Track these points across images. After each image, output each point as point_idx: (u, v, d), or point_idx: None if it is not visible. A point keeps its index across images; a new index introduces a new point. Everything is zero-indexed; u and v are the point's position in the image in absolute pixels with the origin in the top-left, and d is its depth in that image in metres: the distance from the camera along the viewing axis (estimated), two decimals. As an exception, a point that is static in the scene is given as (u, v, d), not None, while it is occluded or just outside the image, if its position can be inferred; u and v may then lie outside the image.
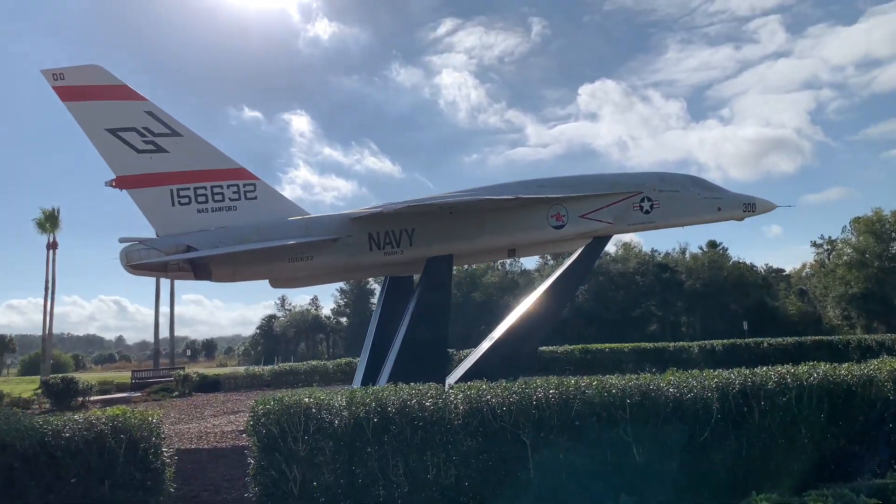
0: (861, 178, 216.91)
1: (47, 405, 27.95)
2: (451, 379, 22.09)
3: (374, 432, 9.55)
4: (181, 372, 36.71)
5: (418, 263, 20.80)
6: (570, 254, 24.38)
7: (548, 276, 24.24)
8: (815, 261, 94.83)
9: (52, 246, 54.39)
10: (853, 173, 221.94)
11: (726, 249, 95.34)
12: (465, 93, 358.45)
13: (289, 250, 18.49)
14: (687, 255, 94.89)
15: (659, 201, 22.39)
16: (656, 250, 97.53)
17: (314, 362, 40.47)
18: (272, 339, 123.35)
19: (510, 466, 9.58)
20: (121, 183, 18.47)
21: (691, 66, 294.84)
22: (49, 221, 55.86)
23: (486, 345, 23.10)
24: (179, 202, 18.94)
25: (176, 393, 32.91)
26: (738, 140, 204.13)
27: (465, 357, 25.83)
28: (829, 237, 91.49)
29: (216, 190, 19.29)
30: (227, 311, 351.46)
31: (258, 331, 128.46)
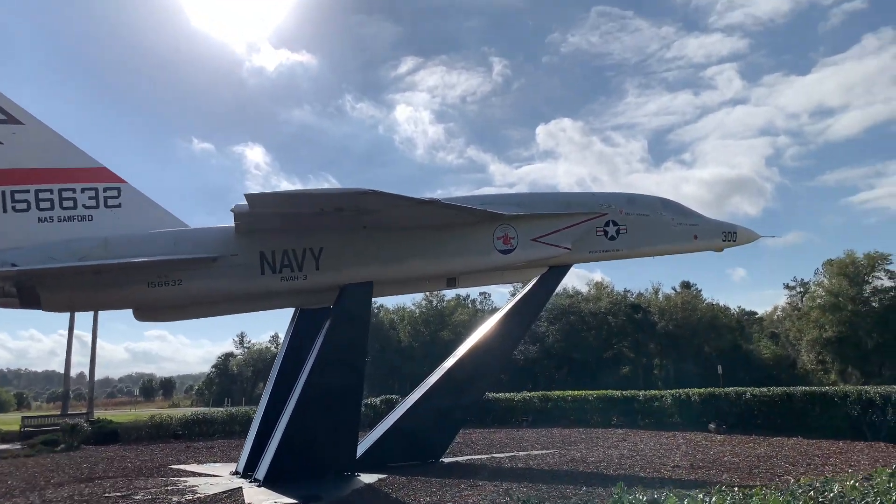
0: (819, 223, 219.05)
1: None
2: (365, 443, 17.92)
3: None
4: (68, 421, 31.69)
5: (331, 292, 16.74)
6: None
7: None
8: (787, 303, 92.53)
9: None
10: (811, 219, 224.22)
11: (700, 290, 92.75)
12: (422, 129, 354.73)
13: (144, 271, 14.26)
14: (660, 296, 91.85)
15: (626, 226, 18.83)
16: (629, 290, 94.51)
17: (234, 409, 35.65)
18: (228, 378, 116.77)
19: None
20: (-67, 181, 14.24)
21: (651, 110, 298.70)
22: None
23: (416, 394, 18.99)
24: (14, 208, 14.75)
25: (62, 446, 27.84)
26: (699, 182, 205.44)
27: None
28: (802, 279, 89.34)
29: (66, 194, 15.12)
30: (193, 347, 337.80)
31: (213, 370, 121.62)
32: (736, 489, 6.29)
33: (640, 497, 6.07)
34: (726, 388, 27.80)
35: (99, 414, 50.75)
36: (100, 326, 55.93)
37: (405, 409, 18.40)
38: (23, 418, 40.69)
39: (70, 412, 48.44)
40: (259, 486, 15.46)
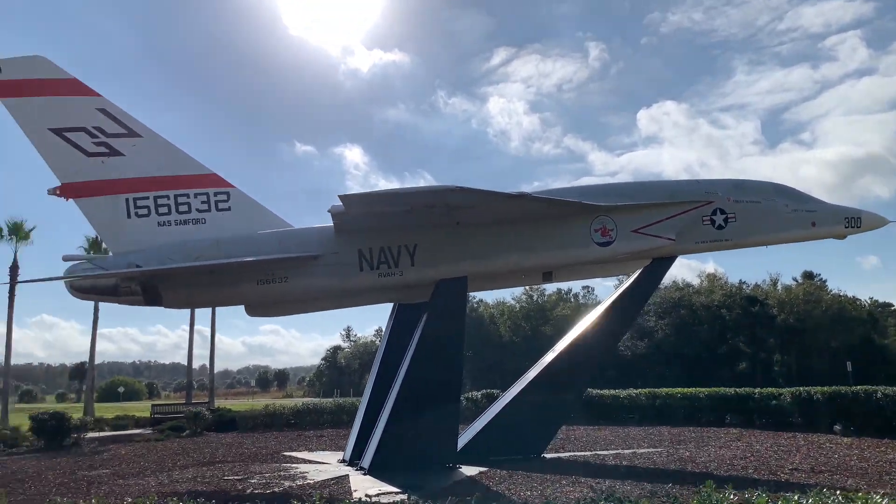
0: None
1: (40, 443, 25.75)
2: (466, 436, 18.04)
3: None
4: (191, 410, 34.23)
5: (427, 288, 16.96)
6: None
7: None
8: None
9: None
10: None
11: (825, 281, 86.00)
12: (517, 120, 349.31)
13: (253, 269, 15.09)
14: (779, 287, 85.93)
15: (735, 214, 17.77)
16: (744, 281, 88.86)
17: (342, 400, 37.02)
18: (337, 370, 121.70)
19: None
20: (66, 191, 15.79)
21: (764, 88, 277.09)
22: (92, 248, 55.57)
23: (516, 388, 18.90)
24: (137, 214, 16.05)
25: (187, 432, 30.17)
26: (822, 164, 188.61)
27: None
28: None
29: (181, 199, 16.29)
30: (304, 341, 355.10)
31: (323, 362, 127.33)
32: (837, 492, 5.75)
33: (730, 496, 5.67)
34: (854, 387, 25.58)
35: (219, 403, 54.69)
36: (218, 322, 60.52)
37: (505, 404, 18.37)
38: (153, 406, 44.63)
39: (193, 401, 52.50)
40: (364, 474, 16.00)
